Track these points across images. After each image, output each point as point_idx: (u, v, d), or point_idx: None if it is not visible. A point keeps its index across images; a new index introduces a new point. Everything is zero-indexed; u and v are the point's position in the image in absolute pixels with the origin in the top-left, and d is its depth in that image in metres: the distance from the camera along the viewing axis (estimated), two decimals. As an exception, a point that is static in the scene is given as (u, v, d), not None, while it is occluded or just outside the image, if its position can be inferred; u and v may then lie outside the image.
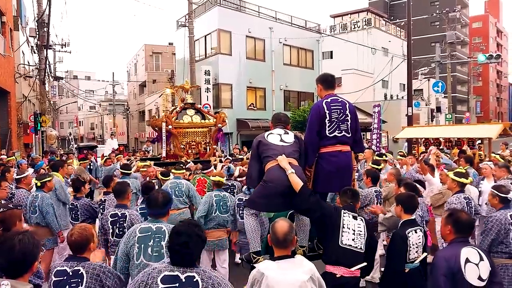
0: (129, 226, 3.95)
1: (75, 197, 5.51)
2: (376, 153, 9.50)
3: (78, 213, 5.32)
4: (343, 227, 3.21)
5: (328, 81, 3.88)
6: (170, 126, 9.08)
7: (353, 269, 3.16)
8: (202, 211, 5.09)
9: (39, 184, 5.45)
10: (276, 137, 3.58)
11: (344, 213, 3.28)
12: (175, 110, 9.89)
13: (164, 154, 9.27)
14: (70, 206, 5.55)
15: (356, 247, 3.20)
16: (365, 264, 3.24)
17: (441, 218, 3.08)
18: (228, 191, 6.14)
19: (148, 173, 7.36)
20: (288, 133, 3.65)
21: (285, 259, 2.62)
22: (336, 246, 3.17)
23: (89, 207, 5.32)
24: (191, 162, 8.26)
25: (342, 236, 3.19)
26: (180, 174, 6.33)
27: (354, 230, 3.22)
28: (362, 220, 3.32)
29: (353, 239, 3.20)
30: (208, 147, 9.73)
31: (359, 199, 3.59)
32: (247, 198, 4.66)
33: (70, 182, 6.69)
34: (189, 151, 9.49)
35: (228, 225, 5.36)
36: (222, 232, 5.23)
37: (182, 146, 9.38)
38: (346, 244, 3.18)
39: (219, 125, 9.65)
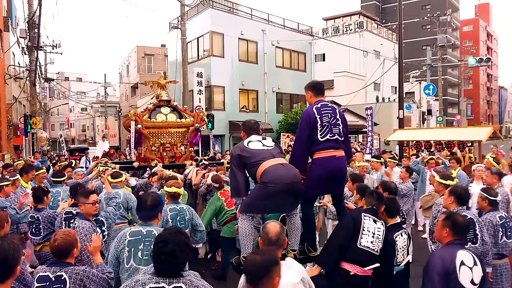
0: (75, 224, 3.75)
1: (35, 209, 4.67)
2: (371, 155, 9.56)
3: (40, 226, 4.56)
4: (363, 230, 3.33)
5: (317, 88, 3.92)
6: (139, 126, 8.01)
7: (366, 268, 3.29)
8: None
9: None
10: (257, 143, 3.61)
11: (365, 216, 3.39)
12: (147, 108, 8.77)
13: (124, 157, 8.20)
14: (30, 219, 4.68)
15: (373, 249, 3.33)
16: (378, 265, 3.33)
17: (439, 220, 3.10)
18: None
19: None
20: (265, 138, 3.71)
21: None
22: (355, 247, 3.30)
23: (53, 220, 4.53)
24: (157, 165, 7.44)
25: (362, 238, 3.31)
26: (118, 183, 5.58)
27: (374, 233, 3.35)
28: (382, 224, 3.44)
29: (371, 242, 3.33)
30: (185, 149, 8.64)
31: (383, 203, 3.62)
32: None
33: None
34: (164, 153, 8.35)
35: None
36: None
37: (154, 148, 8.28)
38: (364, 246, 3.31)
39: (196, 124, 8.57)
